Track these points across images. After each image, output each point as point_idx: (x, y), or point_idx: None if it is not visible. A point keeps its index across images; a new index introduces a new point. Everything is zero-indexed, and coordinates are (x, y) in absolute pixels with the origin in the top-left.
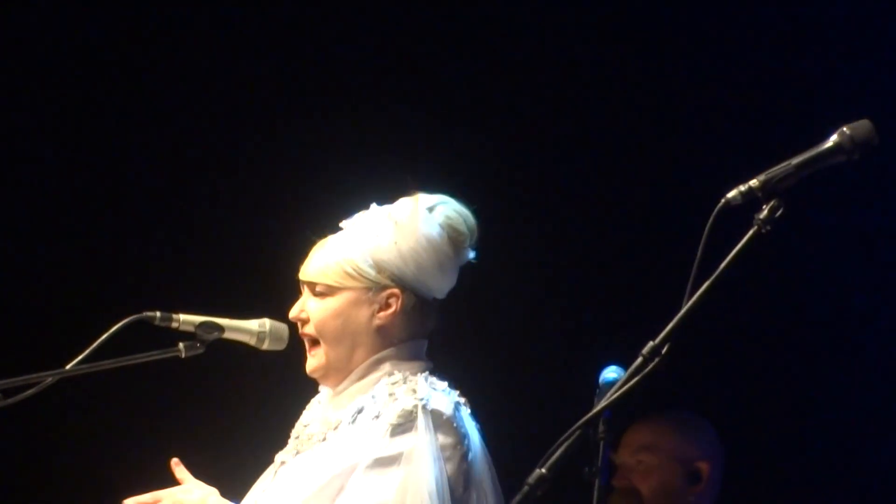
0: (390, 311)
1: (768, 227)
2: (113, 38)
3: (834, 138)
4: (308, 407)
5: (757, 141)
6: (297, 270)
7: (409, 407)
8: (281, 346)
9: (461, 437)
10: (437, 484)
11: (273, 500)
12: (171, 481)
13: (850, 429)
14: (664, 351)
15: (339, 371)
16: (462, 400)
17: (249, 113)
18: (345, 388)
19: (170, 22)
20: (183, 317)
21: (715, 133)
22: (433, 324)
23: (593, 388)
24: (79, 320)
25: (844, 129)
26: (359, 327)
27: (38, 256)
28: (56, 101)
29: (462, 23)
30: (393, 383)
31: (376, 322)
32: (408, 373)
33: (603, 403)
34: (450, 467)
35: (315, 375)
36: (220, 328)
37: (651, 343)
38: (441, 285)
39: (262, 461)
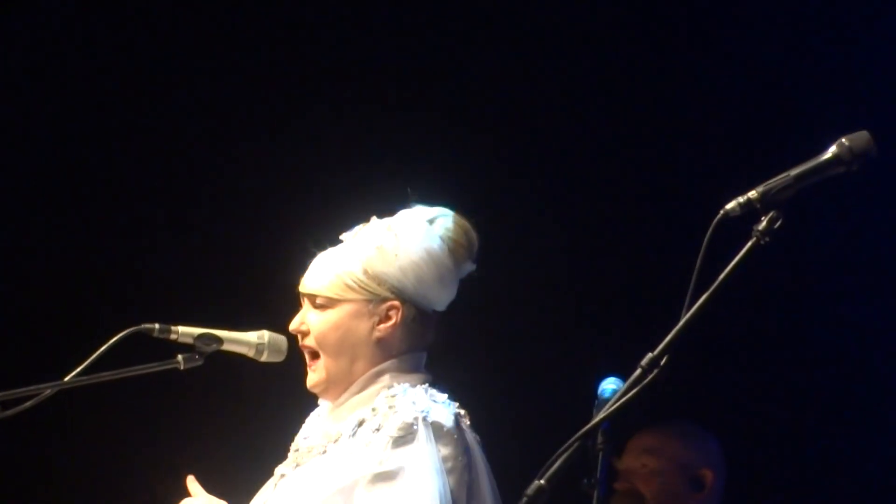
0: (390, 323)
1: (767, 239)
2: (115, 50)
3: (833, 150)
4: (307, 419)
5: (756, 152)
6: (297, 283)
7: (409, 419)
8: (280, 358)
9: (462, 449)
10: (440, 497)
11: None
12: (171, 493)
13: (851, 438)
14: (663, 362)
15: (340, 384)
16: (462, 412)
17: (250, 126)
18: (345, 401)
19: (172, 37)
20: (182, 329)
21: (714, 144)
22: (433, 336)
23: (592, 400)
24: (78, 332)
25: (843, 140)
26: (359, 339)
27: (37, 269)
28: (56, 113)
29: (462, 35)
30: (393, 395)
31: (376, 334)
32: (407, 385)
33: (602, 415)
34: (452, 479)
35: (316, 391)
36: (219, 340)
37: (650, 354)
38: (441, 297)
39: (261, 474)
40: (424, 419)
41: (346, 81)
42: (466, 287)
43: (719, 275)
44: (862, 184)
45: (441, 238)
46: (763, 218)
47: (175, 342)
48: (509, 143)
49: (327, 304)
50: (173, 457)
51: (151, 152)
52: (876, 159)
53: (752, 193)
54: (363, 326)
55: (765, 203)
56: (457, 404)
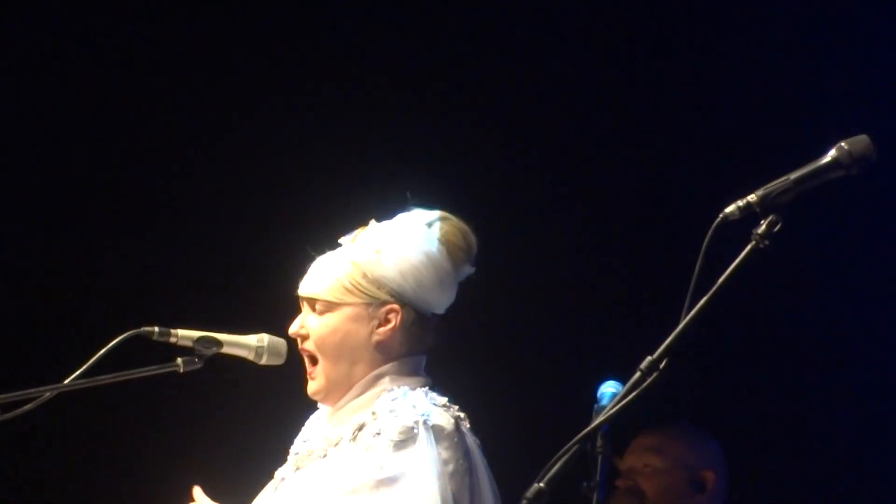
0: (389, 326)
1: (766, 242)
2: (114, 52)
3: (832, 153)
4: (307, 422)
5: (755, 156)
6: (296, 286)
7: (410, 423)
8: (279, 362)
9: (463, 452)
10: (442, 501)
11: None
12: (171, 496)
13: (852, 441)
14: (662, 366)
15: (339, 388)
16: (462, 415)
17: (249, 128)
18: (344, 404)
19: (170, 40)
20: (181, 332)
21: (713, 148)
22: (432, 339)
23: (591, 403)
24: (77, 335)
25: (843, 144)
26: (358, 343)
27: (36, 272)
28: (54, 117)
29: (462, 38)
30: (393, 399)
31: (375, 338)
32: (407, 388)
33: (601, 418)
34: (454, 483)
35: (317, 398)
36: (219, 343)
37: (649, 358)
38: (440, 301)
39: (261, 477)
40: (425, 423)
41: (344, 84)
42: (466, 290)
43: (719, 278)
44: (863, 186)
45: (440, 241)
46: (762, 221)
47: (174, 345)
48: (508, 146)
49: (326, 307)
50: (172, 460)
51: (151, 155)
52: (876, 163)
53: (752, 197)
54: (362, 330)
55: (764, 207)
56: (457, 407)
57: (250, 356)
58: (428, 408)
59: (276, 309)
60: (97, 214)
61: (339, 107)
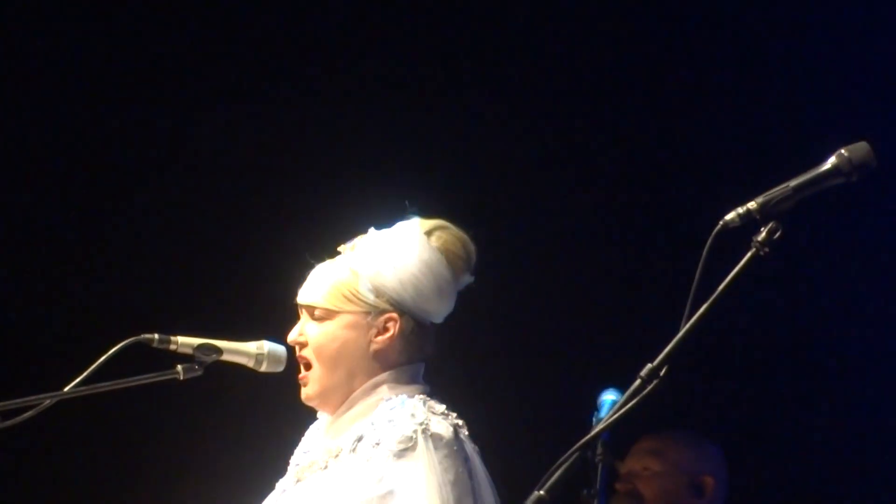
0: (388, 335)
1: (766, 250)
2: (113, 54)
3: (832, 160)
4: (307, 433)
5: (755, 163)
6: (295, 294)
7: (408, 432)
8: (279, 369)
9: (462, 460)
10: None
11: None
12: None
13: (852, 447)
14: (662, 373)
15: (336, 396)
16: (460, 422)
17: (250, 135)
18: (342, 414)
19: (170, 44)
20: (181, 339)
21: (713, 155)
22: (431, 348)
23: (592, 411)
24: (77, 342)
25: (842, 151)
26: (356, 351)
27: (36, 279)
28: (55, 121)
29: (462, 46)
30: (391, 408)
31: (374, 346)
32: (405, 396)
33: (601, 426)
34: (455, 491)
35: (311, 403)
36: (219, 350)
37: (649, 365)
38: (439, 310)
39: (262, 488)
40: (424, 431)
41: (345, 92)
42: (466, 298)
43: (719, 285)
44: (864, 193)
45: (439, 250)
46: (762, 229)
47: (174, 352)
48: (508, 154)
49: (325, 315)
50: (172, 469)
51: (151, 162)
52: (876, 170)
53: (752, 204)
54: (361, 338)
55: (764, 214)
56: (455, 415)
57: (250, 363)
58: (426, 416)
59: (276, 316)
60: (97, 220)
61: (339, 114)
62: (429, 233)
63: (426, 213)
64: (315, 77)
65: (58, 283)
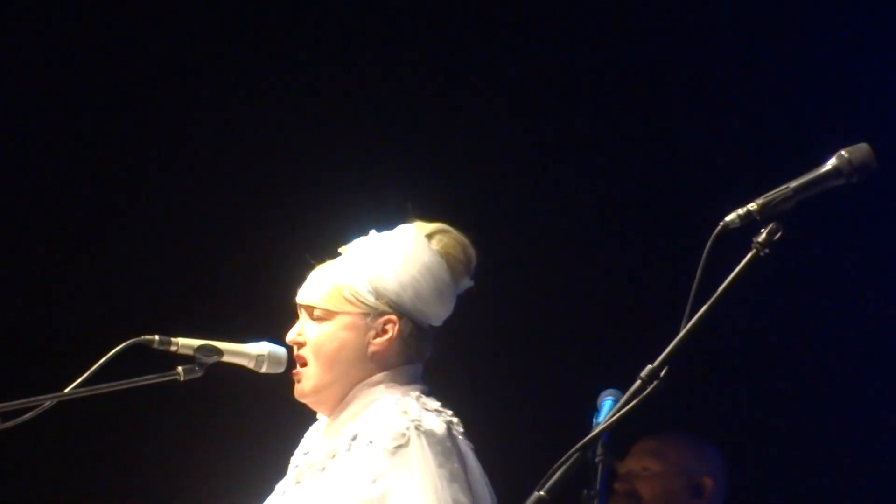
0: (386, 337)
1: (767, 251)
2: (113, 57)
3: (832, 161)
4: (307, 434)
5: (755, 164)
6: (295, 294)
7: (401, 429)
8: (279, 370)
9: (457, 456)
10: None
11: None
12: None
13: (852, 449)
14: (663, 374)
15: (330, 395)
16: (455, 420)
17: (250, 136)
18: (339, 414)
19: (171, 48)
20: (181, 340)
21: (714, 156)
22: (430, 351)
23: (592, 412)
24: (78, 344)
25: (843, 152)
26: (355, 352)
27: (37, 280)
28: (56, 122)
29: (462, 50)
30: (384, 406)
31: (372, 348)
32: (399, 395)
33: (601, 426)
34: (451, 487)
35: (304, 400)
36: (219, 352)
37: (649, 366)
38: (438, 313)
39: (261, 489)
40: (417, 428)
41: (345, 93)
42: (467, 299)
43: (719, 286)
44: (864, 194)
45: (439, 254)
46: (763, 230)
47: (175, 354)
48: (509, 157)
49: (325, 316)
50: (173, 471)
51: (152, 163)
52: (877, 171)
53: (752, 205)
54: (359, 339)
55: (764, 215)
56: (450, 412)
57: (251, 365)
58: (419, 413)
59: (277, 318)
60: (98, 221)
61: (340, 116)
62: (429, 236)
63: (427, 216)
64: (316, 78)
65: (58, 285)
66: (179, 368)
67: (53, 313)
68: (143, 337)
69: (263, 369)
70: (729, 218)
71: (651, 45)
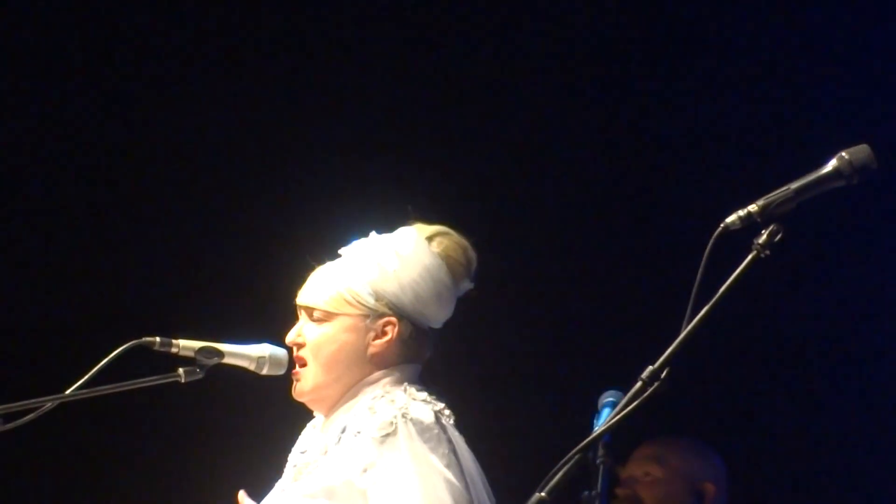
0: (386, 338)
1: (767, 252)
2: (115, 60)
3: (833, 163)
4: (304, 433)
5: (756, 165)
6: (295, 296)
7: (389, 418)
8: (280, 372)
9: (446, 442)
10: (424, 492)
11: None
12: None
13: (853, 451)
14: (664, 375)
15: (329, 396)
16: (447, 412)
17: (250, 139)
18: (336, 412)
19: (173, 53)
20: (182, 342)
21: (714, 157)
22: (429, 353)
23: (593, 413)
24: (79, 345)
25: (843, 153)
26: (354, 353)
27: (37, 282)
28: (57, 123)
29: (462, 51)
30: (373, 398)
31: (371, 349)
32: (389, 387)
33: (602, 427)
34: (442, 472)
35: (302, 399)
36: (220, 353)
37: (650, 367)
38: (438, 315)
39: (260, 488)
40: (404, 416)
41: (347, 96)
42: (468, 301)
43: (720, 287)
44: (864, 195)
45: (440, 256)
46: (763, 231)
47: (176, 355)
48: (509, 159)
49: (324, 317)
50: (172, 471)
51: (152, 165)
52: (877, 172)
53: (753, 207)
54: (359, 341)
55: (765, 216)
56: (443, 405)
57: (251, 366)
58: (406, 402)
59: (277, 319)
60: (98, 224)
61: (341, 119)
62: (430, 238)
63: (427, 219)
64: (318, 79)
65: (59, 287)
66: (180, 370)
67: (54, 315)
68: (144, 339)
69: (264, 371)
70: (729, 219)
71: (652, 46)
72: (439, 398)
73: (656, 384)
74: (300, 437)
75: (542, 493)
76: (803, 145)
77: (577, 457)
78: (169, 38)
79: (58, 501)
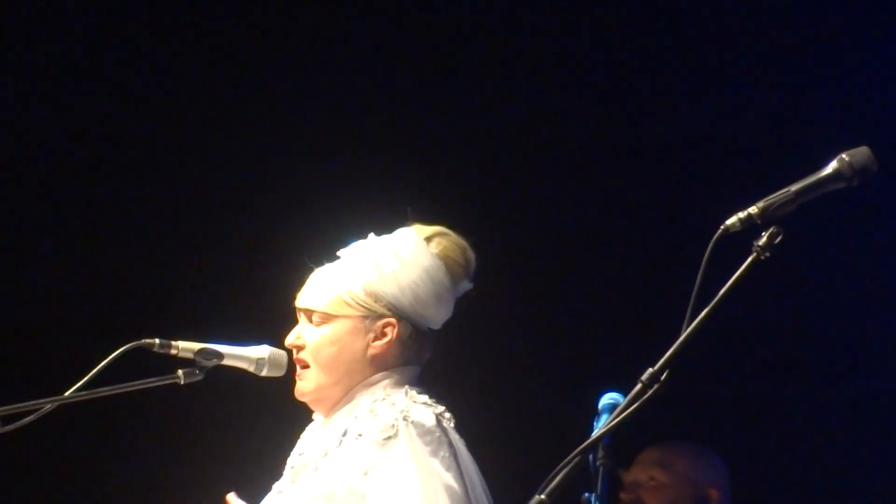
0: (385, 340)
1: (767, 254)
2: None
3: (833, 165)
4: (303, 435)
5: (756, 167)
6: (294, 298)
7: (390, 421)
8: (280, 373)
9: (447, 446)
10: (425, 495)
11: None
12: None
13: (854, 454)
14: (663, 377)
15: (331, 397)
16: (448, 415)
17: (251, 139)
18: (335, 413)
19: (175, 54)
20: (182, 344)
21: (715, 159)
22: (428, 354)
23: (593, 415)
24: (78, 347)
25: (843, 155)
26: (354, 355)
27: (37, 284)
28: (57, 124)
29: (462, 52)
30: (374, 401)
31: (371, 351)
32: (389, 390)
33: (602, 430)
34: (443, 475)
35: (304, 399)
36: (219, 355)
37: (650, 369)
38: (437, 316)
39: (259, 490)
40: (405, 419)
41: (345, 98)
42: (468, 302)
43: (720, 290)
44: (865, 197)
45: (439, 257)
46: (763, 233)
47: (175, 357)
48: (509, 159)
49: (324, 319)
50: (171, 472)
51: (152, 168)
52: (877, 174)
53: (753, 209)
54: (359, 342)
55: (765, 218)
56: (444, 408)
57: (251, 368)
58: (407, 405)
59: (276, 321)
60: (98, 225)
61: (340, 119)
62: (428, 239)
63: (426, 220)
64: (316, 81)
65: (59, 288)
66: (180, 372)
67: (54, 317)
68: (143, 340)
69: (264, 373)
70: (730, 221)
71: (653, 47)
72: (439, 401)
73: (656, 386)
74: (299, 440)
75: (542, 496)
76: (804, 147)
77: (577, 459)
78: (169, 37)
79: (57, 502)
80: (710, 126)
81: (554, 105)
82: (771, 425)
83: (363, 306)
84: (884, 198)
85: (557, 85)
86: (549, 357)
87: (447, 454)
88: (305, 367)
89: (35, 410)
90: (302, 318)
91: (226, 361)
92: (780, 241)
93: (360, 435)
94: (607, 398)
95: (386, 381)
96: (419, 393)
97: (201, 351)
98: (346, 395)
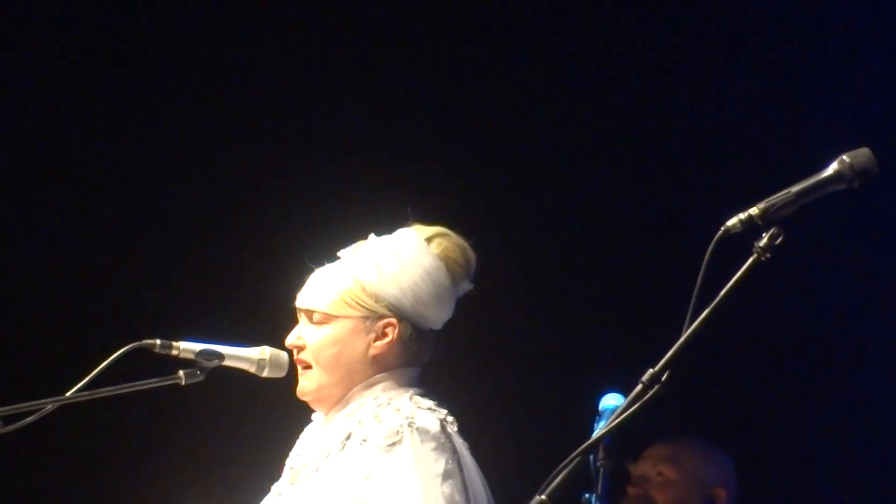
0: (386, 340)
1: (768, 255)
2: (118, 67)
3: (834, 166)
4: (302, 436)
5: (757, 168)
6: (295, 298)
7: (395, 426)
8: (281, 374)
9: (451, 452)
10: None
11: None
12: None
13: (856, 453)
14: (664, 378)
15: (332, 397)
16: (450, 419)
17: (249, 142)
18: (336, 414)
19: (176, 55)
20: (183, 344)
21: (715, 160)
22: (429, 354)
23: (593, 415)
24: (79, 348)
25: (844, 157)
26: (354, 356)
27: (37, 284)
28: (57, 125)
29: (460, 56)
30: (378, 405)
31: (372, 351)
32: (393, 394)
33: (603, 430)
34: (446, 482)
35: (305, 398)
36: (220, 356)
37: (651, 370)
38: (438, 316)
39: (258, 491)
40: (410, 425)
41: (346, 97)
42: (469, 302)
43: (720, 290)
44: (866, 198)
45: (439, 257)
46: (764, 234)
47: (176, 358)
48: (509, 160)
49: (324, 319)
50: (171, 473)
51: (152, 166)
52: (878, 175)
53: (754, 210)
54: (359, 343)
55: (766, 219)
56: (446, 412)
57: (252, 369)
58: (412, 411)
59: (277, 321)
60: (98, 225)
61: (340, 119)
62: (429, 239)
63: (426, 220)
64: (317, 81)
65: (60, 288)
66: (181, 372)
67: (55, 317)
68: (144, 341)
69: (265, 373)
70: (730, 222)
71: (653, 47)
72: (442, 404)
73: (657, 387)
74: (298, 441)
75: (543, 496)
76: (805, 148)
77: (577, 459)
78: (169, 37)
79: (57, 503)
80: (712, 127)
81: (554, 105)
82: (771, 425)
83: (364, 307)
84: (884, 198)
85: (558, 85)
86: (550, 357)
87: (451, 461)
88: (307, 367)
89: (36, 411)
90: (302, 318)
91: (227, 362)
92: (781, 242)
93: (364, 440)
94: (608, 399)
95: (387, 383)
96: (423, 397)
97: (202, 352)
98: (347, 394)
